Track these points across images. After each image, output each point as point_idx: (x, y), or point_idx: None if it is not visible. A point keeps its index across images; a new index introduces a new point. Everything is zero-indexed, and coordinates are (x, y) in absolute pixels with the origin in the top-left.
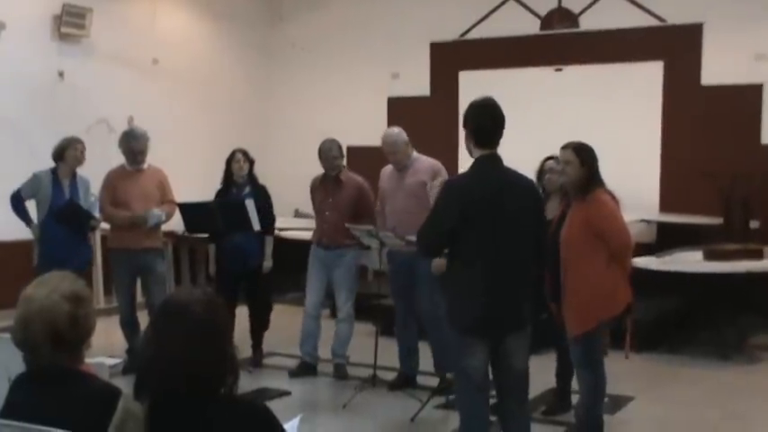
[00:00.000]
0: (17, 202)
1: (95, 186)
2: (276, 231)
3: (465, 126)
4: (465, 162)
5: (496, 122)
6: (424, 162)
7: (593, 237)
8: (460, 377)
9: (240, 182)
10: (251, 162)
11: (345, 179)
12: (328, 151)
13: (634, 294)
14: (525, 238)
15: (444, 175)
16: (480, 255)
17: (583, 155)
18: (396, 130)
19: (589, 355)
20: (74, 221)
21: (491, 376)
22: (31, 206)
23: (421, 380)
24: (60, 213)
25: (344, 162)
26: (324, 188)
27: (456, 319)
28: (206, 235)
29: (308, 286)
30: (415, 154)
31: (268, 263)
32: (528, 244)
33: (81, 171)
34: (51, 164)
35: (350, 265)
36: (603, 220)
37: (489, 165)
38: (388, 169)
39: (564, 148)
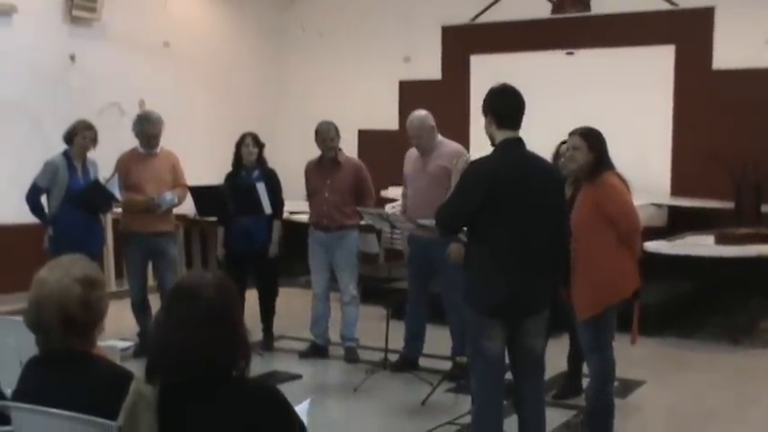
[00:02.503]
0: (35, 199)
1: (107, 169)
2: (287, 215)
3: (486, 111)
4: (477, 146)
5: (519, 106)
6: (447, 147)
7: (603, 220)
8: (477, 358)
9: (250, 165)
10: (261, 146)
11: (343, 161)
12: (326, 133)
13: (644, 278)
14: (548, 221)
15: (468, 156)
16: (504, 237)
17: (591, 140)
18: (421, 113)
19: (598, 339)
20: (96, 202)
21: (507, 359)
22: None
23: (428, 363)
24: (83, 194)
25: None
26: (320, 170)
27: (475, 300)
28: (215, 218)
29: (312, 270)
30: (439, 138)
31: (274, 248)
32: (550, 227)
33: (92, 154)
34: (62, 147)
35: (351, 246)
36: (613, 204)
37: (514, 148)
38: (412, 152)
39: (571, 134)
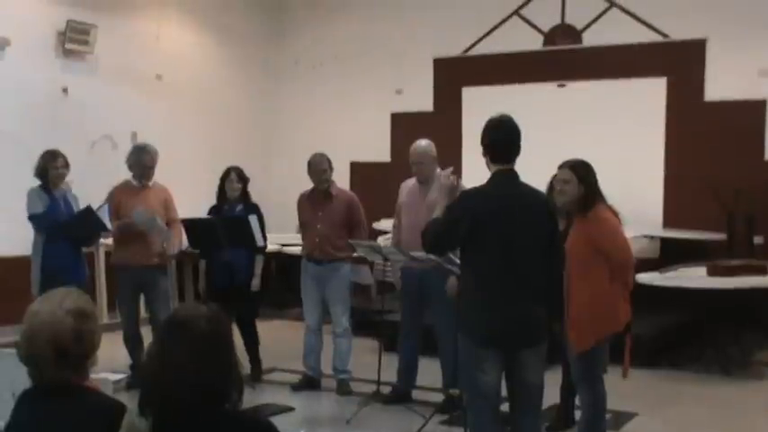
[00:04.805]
0: (45, 222)
1: (98, 201)
2: (279, 247)
3: (481, 143)
4: (469, 178)
5: (511, 139)
6: None
7: (596, 254)
8: (472, 390)
9: (233, 200)
10: (245, 181)
11: (336, 193)
12: (318, 165)
13: (637, 310)
14: (537, 253)
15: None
16: (493, 268)
17: (580, 172)
18: (425, 142)
19: (589, 372)
20: (85, 231)
21: (504, 389)
22: (22, 221)
23: (420, 395)
24: (74, 221)
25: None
26: (312, 202)
27: (469, 331)
28: (197, 251)
29: (304, 303)
30: (438, 170)
31: (257, 281)
32: (540, 259)
33: (84, 187)
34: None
35: (343, 278)
36: (605, 238)
37: (504, 179)
38: (408, 183)
39: (561, 167)
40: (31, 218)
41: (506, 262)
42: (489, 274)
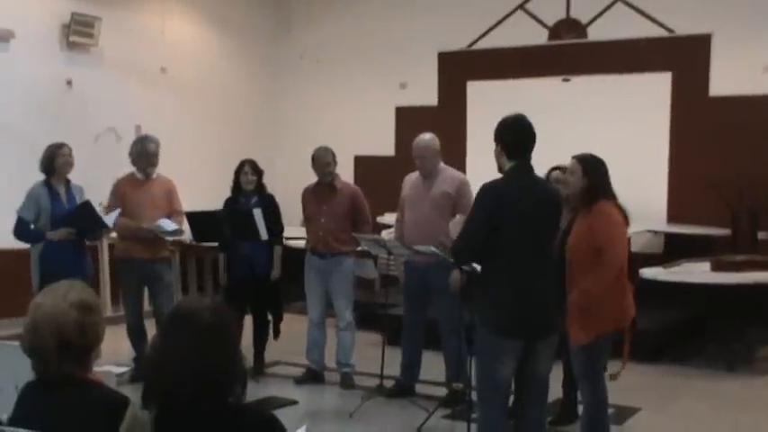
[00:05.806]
0: (27, 231)
1: (102, 194)
2: (284, 240)
3: (497, 140)
4: (473, 172)
5: (529, 139)
6: (450, 173)
7: (597, 249)
8: (486, 382)
9: (248, 192)
10: (259, 173)
11: (340, 186)
12: (322, 158)
13: (641, 305)
14: (551, 243)
15: (469, 194)
16: (515, 258)
17: (586, 165)
18: (428, 136)
19: (589, 367)
20: (83, 226)
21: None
22: None
23: (423, 389)
24: (70, 216)
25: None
26: (317, 196)
27: (492, 321)
28: (215, 244)
29: (308, 296)
30: (441, 165)
31: (276, 272)
32: (552, 250)
33: (87, 180)
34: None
35: (347, 272)
36: (602, 233)
37: (520, 173)
38: (412, 177)
39: (572, 158)
40: (18, 220)
41: (525, 252)
42: (510, 264)
